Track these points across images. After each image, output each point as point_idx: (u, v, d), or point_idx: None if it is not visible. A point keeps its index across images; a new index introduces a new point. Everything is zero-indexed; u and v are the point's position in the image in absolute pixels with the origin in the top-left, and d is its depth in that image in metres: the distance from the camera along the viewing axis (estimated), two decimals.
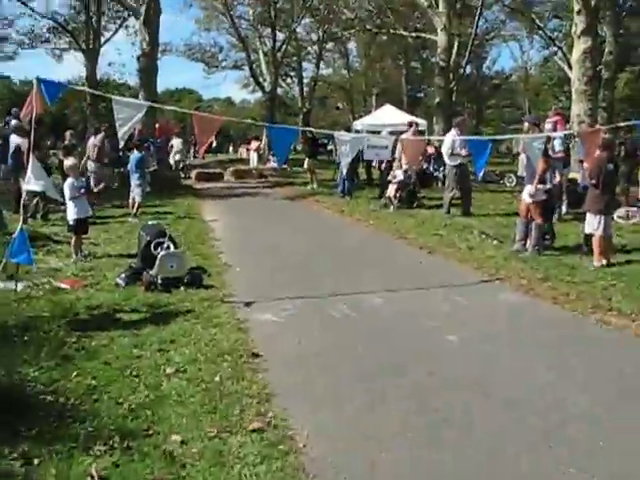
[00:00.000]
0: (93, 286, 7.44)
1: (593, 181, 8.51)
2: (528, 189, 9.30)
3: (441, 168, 19.99)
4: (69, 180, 9.04)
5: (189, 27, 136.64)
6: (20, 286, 7.01)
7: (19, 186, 11.43)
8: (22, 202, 6.74)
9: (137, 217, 12.98)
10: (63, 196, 8.82)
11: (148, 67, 20.10)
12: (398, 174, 14.56)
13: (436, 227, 11.80)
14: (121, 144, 7.48)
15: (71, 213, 9.02)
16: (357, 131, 27.98)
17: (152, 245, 7.75)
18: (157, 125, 23.67)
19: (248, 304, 6.77)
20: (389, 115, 25.84)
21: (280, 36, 35.12)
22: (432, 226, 11.93)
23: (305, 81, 46.67)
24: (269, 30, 34.78)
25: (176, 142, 24.81)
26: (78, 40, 34.24)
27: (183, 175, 24.90)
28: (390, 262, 9.11)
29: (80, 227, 9.15)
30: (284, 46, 34.66)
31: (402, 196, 14.57)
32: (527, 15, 32.19)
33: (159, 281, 7.26)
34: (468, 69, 45.46)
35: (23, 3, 32.40)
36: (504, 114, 57.71)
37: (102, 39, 34.93)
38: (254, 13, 36.05)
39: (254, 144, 30.39)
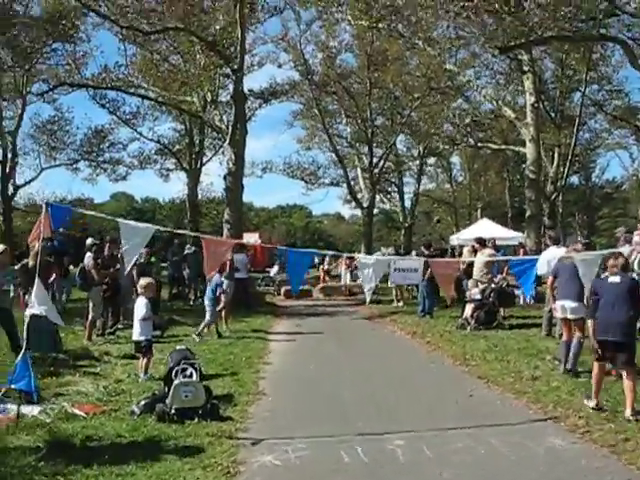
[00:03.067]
0: (111, 413, 7.13)
1: None
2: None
3: None
4: (143, 300, 8.96)
5: (292, 146, 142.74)
6: (35, 410, 6.82)
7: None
8: (25, 326, 6.56)
9: (201, 336, 12.78)
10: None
11: (233, 185, 20.64)
12: (474, 293, 13.70)
13: (507, 351, 10.74)
14: (127, 269, 7.35)
15: (139, 334, 8.92)
16: (453, 247, 27.78)
17: (173, 372, 7.38)
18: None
19: (255, 443, 6.16)
20: (486, 229, 25.11)
21: (379, 152, 35.45)
22: (503, 350, 10.88)
23: (409, 195, 46.50)
24: (367, 147, 35.20)
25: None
26: (182, 161, 36.47)
27: (273, 291, 24.99)
28: (437, 395, 8.18)
29: (150, 348, 9.04)
30: (381, 162, 34.85)
31: (480, 316, 13.63)
32: (632, 122, 31.23)
33: (173, 411, 6.83)
34: (576, 179, 44.28)
35: (134, 129, 35.28)
36: (618, 224, 55.01)
37: (204, 159, 37.24)
38: (352, 131, 36.91)
39: (349, 261, 30.10)
